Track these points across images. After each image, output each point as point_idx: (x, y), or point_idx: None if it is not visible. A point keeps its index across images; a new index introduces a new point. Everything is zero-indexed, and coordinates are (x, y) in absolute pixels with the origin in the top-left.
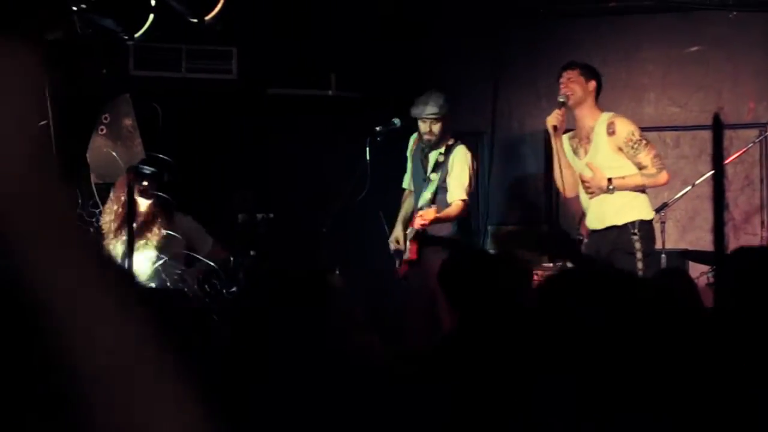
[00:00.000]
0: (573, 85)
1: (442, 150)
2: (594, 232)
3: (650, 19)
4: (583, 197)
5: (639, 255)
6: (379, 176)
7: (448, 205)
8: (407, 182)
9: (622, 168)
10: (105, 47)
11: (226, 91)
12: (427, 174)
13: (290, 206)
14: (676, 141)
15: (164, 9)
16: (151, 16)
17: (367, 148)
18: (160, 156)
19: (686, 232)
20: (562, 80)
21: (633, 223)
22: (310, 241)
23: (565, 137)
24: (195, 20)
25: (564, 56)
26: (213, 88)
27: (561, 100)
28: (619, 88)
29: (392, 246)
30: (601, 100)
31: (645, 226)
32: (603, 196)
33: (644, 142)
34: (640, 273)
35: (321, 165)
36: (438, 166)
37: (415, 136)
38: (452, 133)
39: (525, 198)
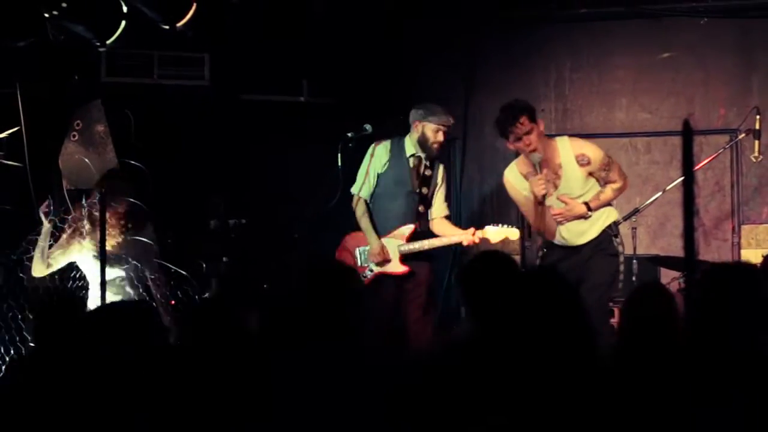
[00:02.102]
0: (534, 138)
1: (427, 163)
2: (573, 248)
3: (622, 25)
4: (558, 220)
5: (621, 258)
6: (351, 182)
7: (428, 218)
8: (366, 192)
9: (591, 189)
10: (77, 53)
11: (198, 97)
12: (416, 187)
13: (263, 212)
14: (647, 147)
15: (136, 15)
16: (123, 22)
17: (339, 154)
18: (132, 162)
19: (657, 238)
20: (519, 134)
21: (610, 226)
22: (282, 247)
23: (516, 175)
24: (167, 27)
25: (536, 62)
26: (185, 94)
27: (536, 160)
28: (590, 93)
29: (376, 258)
30: (572, 105)
31: (617, 226)
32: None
33: (611, 160)
34: (621, 272)
35: (293, 171)
36: (426, 179)
37: (385, 144)
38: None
39: (496, 204)
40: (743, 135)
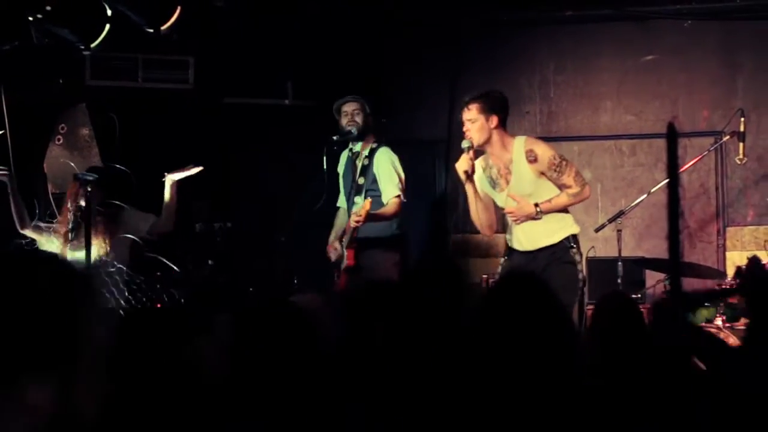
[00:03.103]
0: (472, 127)
1: (366, 153)
2: (523, 252)
3: (607, 28)
4: (508, 222)
5: (579, 266)
6: (336, 185)
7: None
8: (342, 201)
9: (545, 191)
10: (61, 57)
11: (183, 100)
12: (356, 179)
13: (248, 215)
14: (632, 149)
15: (120, 19)
16: (108, 26)
17: (324, 158)
18: (116, 166)
19: (642, 240)
20: (462, 119)
21: (567, 238)
22: (267, 250)
23: (480, 171)
24: (151, 30)
25: (521, 64)
26: (170, 97)
27: (464, 145)
28: (575, 96)
29: (331, 254)
30: (557, 108)
31: (576, 238)
32: (530, 221)
33: (564, 162)
34: (581, 278)
35: (278, 174)
36: (364, 169)
37: (345, 152)
38: (376, 136)
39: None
40: (728, 137)
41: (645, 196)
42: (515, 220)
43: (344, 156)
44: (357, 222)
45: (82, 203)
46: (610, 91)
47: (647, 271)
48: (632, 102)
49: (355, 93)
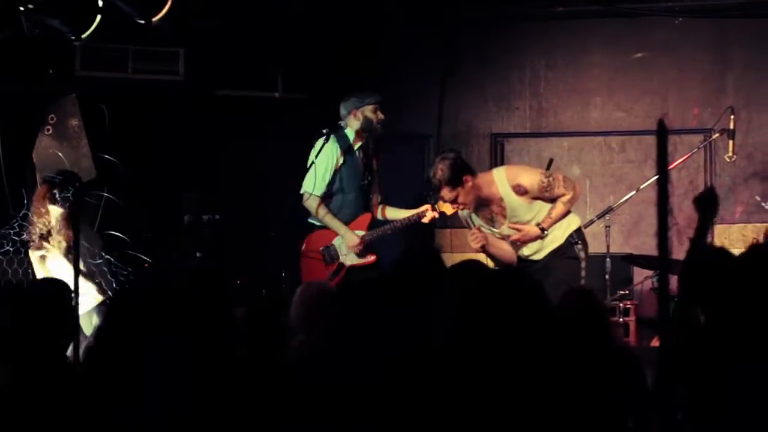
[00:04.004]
0: (460, 200)
1: (370, 152)
2: (532, 260)
3: (597, 24)
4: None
5: (583, 264)
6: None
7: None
8: (320, 190)
9: (542, 209)
10: (52, 47)
11: (173, 92)
12: (365, 178)
13: (237, 208)
14: (621, 145)
15: (111, 10)
16: (99, 16)
17: (320, 150)
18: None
19: (631, 237)
20: (453, 205)
21: (571, 234)
22: (257, 243)
23: (474, 217)
24: (142, 21)
25: (511, 59)
26: (160, 89)
27: (466, 217)
28: (565, 92)
29: (356, 249)
30: (547, 103)
31: (580, 233)
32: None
33: (551, 178)
34: (583, 276)
35: (268, 167)
36: (369, 168)
37: (333, 141)
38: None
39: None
40: (717, 135)
41: (634, 192)
42: (524, 244)
43: (334, 145)
44: (430, 220)
45: (49, 205)
46: (600, 87)
47: (635, 268)
48: (622, 98)
49: (345, 87)
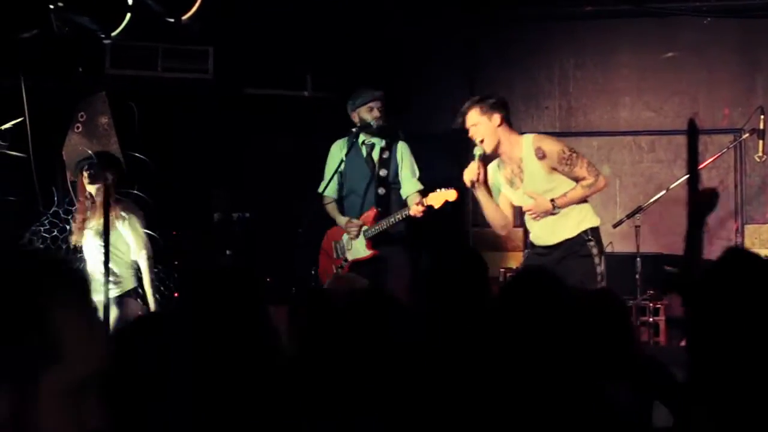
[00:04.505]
0: (478, 132)
1: (383, 146)
2: (547, 248)
3: (626, 23)
4: (527, 219)
5: (597, 260)
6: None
7: (401, 199)
8: (330, 190)
9: (560, 186)
10: (81, 45)
11: (202, 90)
12: (376, 171)
13: (266, 206)
14: (651, 145)
15: (141, 8)
16: (128, 14)
17: (344, 150)
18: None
19: (661, 236)
20: (467, 128)
21: (585, 231)
22: (286, 241)
23: (497, 171)
24: (172, 20)
25: (540, 59)
26: (189, 87)
27: (476, 153)
28: (594, 92)
29: (352, 231)
30: (576, 103)
31: (596, 232)
32: (550, 216)
33: (575, 154)
34: (599, 272)
35: (297, 165)
36: (385, 162)
37: (339, 142)
38: (393, 130)
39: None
40: (747, 135)
41: (664, 192)
42: (534, 217)
43: (338, 147)
44: (419, 213)
45: (88, 188)
46: (629, 86)
47: (665, 267)
48: (652, 98)
49: (373, 86)
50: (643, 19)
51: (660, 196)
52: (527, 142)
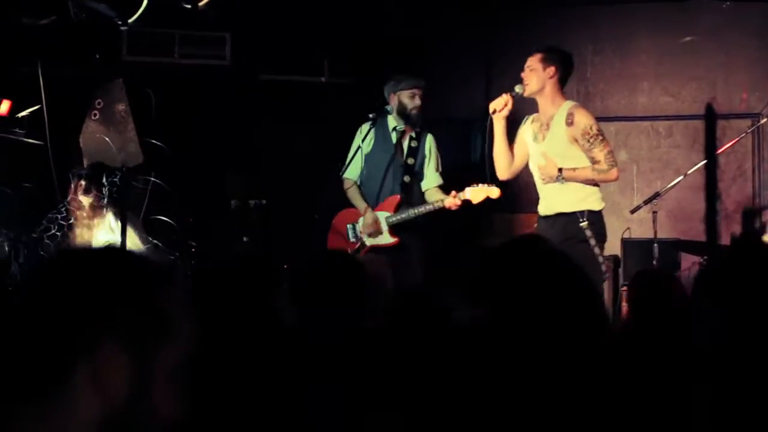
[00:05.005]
0: (529, 75)
1: (413, 135)
2: (543, 218)
3: (644, 8)
4: (538, 182)
5: (593, 242)
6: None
7: (420, 191)
8: (352, 173)
9: (575, 159)
10: (98, 32)
11: (219, 76)
12: (402, 159)
13: (283, 192)
14: (668, 130)
15: None
16: (145, 1)
17: (365, 134)
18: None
19: (678, 222)
20: (524, 66)
21: (582, 212)
22: (302, 228)
23: (529, 124)
24: (188, 6)
25: (558, 44)
26: (206, 73)
27: (516, 89)
28: (612, 77)
29: (369, 228)
30: (594, 88)
31: (593, 215)
32: (556, 185)
33: (600, 137)
34: (600, 258)
35: (314, 151)
36: (414, 150)
37: (367, 124)
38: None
39: (519, 185)
40: (765, 120)
41: (681, 177)
42: (542, 179)
43: (370, 131)
44: (455, 206)
45: (81, 198)
46: (647, 72)
47: (682, 253)
48: (669, 83)
49: (391, 71)
50: (661, 3)
51: (677, 182)
52: (565, 106)
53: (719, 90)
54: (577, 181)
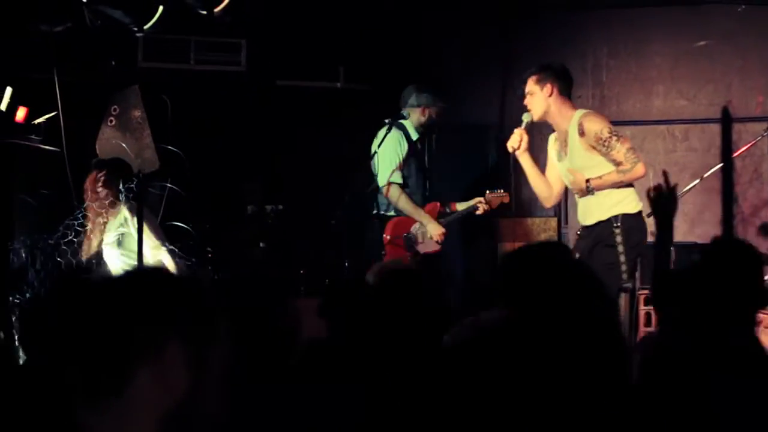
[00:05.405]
0: (530, 101)
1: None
2: (584, 227)
3: (659, 11)
4: (575, 196)
5: (620, 248)
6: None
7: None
8: (399, 178)
9: (599, 166)
10: (114, 39)
11: (234, 82)
12: (428, 166)
13: (299, 198)
14: (684, 134)
15: (173, 1)
16: (161, 7)
17: (382, 140)
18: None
19: (695, 225)
20: (524, 92)
21: (616, 216)
22: (319, 234)
23: (552, 143)
24: (204, 12)
25: (573, 48)
26: (222, 79)
27: (524, 119)
28: (628, 80)
29: (442, 237)
30: (609, 92)
31: (628, 219)
32: (591, 195)
33: (615, 138)
34: (622, 265)
35: (330, 157)
36: (424, 154)
37: (399, 132)
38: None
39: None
40: None
41: (698, 181)
42: (576, 194)
43: (402, 136)
44: (486, 210)
45: (99, 189)
46: (662, 75)
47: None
48: (685, 86)
49: (407, 78)
50: (677, 7)
51: (694, 185)
52: (576, 117)
53: (735, 93)
54: (606, 188)
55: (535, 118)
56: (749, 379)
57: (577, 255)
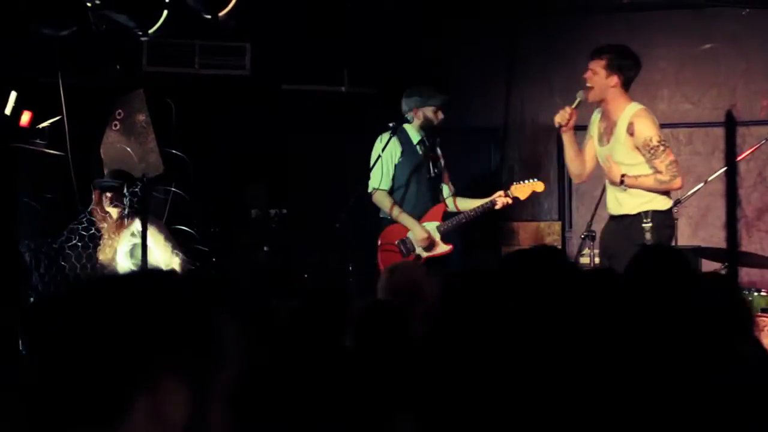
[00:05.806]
0: (593, 79)
1: (436, 143)
2: (611, 217)
3: (664, 15)
4: (606, 180)
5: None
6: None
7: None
8: (386, 184)
9: (638, 167)
10: (119, 43)
11: (239, 86)
12: (432, 171)
13: (303, 202)
14: (689, 138)
15: (178, 5)
16: (165, 12)
17: (385, 144)
18: (173, 151)
19: (699, 229)
20: (587, 67)
21: (646, 212)
22: (323, 238)
23: (596, 120)
24: (209, 16)
25: (578, 52)
26: (226, 83)
27: (578, 97)
28: (632, 84)
29: (425, 242)
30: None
31: (659, 216)
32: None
33: (662, 148)
34: None
35: (334, 161)
36: (436, 161)
37: (396, 136)
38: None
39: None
40: None
41: (702, 184)
42: (607, 180)
43: (396, 140)
44: (504, 206)
45: (109, 209)
46: (667, 79)
47: (703, 261)
48: (690, 90)
49: (412, 81)
50: (681, 10)
51: (698, 189)
52: (628, 111)
53: (739, 97)
54: (638, 188)
55: (590, 100)
56: None
57: (604, 249)
